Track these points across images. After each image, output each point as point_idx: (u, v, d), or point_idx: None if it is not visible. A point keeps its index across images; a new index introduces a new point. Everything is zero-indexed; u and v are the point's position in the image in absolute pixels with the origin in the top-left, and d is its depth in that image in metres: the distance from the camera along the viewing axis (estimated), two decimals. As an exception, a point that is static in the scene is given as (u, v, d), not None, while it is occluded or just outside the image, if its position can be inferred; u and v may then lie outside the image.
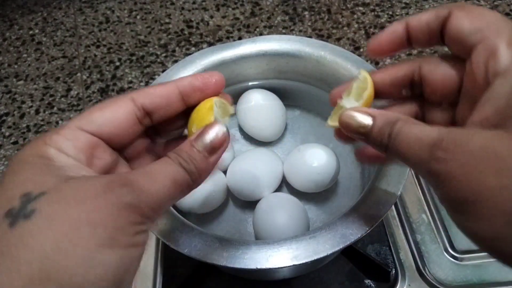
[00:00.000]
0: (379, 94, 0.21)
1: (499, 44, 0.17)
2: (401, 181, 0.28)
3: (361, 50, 0.66)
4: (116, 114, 0.19)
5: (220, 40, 0.70)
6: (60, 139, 0.17)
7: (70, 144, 0.17)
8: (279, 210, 0.33)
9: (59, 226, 0.14)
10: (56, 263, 0.13)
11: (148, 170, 0.16)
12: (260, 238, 0.33)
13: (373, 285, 0.39)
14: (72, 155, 0.17)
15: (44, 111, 0.62)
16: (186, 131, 0.22)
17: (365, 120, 0.19)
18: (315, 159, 0.35)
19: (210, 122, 0.18)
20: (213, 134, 0.18)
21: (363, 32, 0.68)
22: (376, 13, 0.72)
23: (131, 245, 0.15)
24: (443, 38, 0.19)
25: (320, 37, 0.68)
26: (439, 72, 0.20)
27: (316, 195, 0.38)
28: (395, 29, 0.20)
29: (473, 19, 0.18)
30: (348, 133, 0.20)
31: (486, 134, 0.15)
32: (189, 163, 0.17)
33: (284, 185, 0.39)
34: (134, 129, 0.19)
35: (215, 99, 0.20)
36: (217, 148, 0.18)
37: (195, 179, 0.17)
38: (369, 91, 0.20)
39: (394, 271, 0.39)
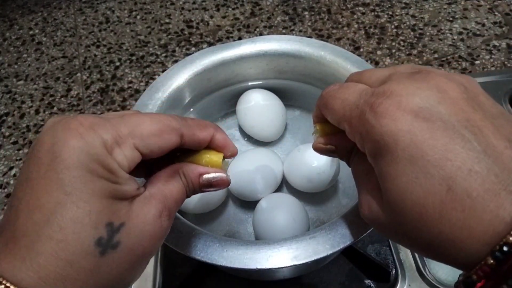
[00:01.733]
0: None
1: (351, 136, 0.20)
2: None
3: (361, 50, 0.66)
4: (166, 145, 0.20)
5: (220, 40, 0.70)
6: (121, 155, 0.18)
7: (126, 164, 0.19)
8: (279, 210, 0.33)
9: (134, 257, 0.18)
10: (126, 281, 0.19)
11: (176, 197, 0.21)
12: (260, 238, 0.33)
13: (373, 285, 0.39)
14: (126, 171, 0.19)
15: (44, 111, 0.63)
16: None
17: (330, 148, 0.24)
18: (315, 159, 0.35)
19: (220, 167, 0.23)
20: (216, 176, 0.22)
21: (363, 32, 0.68)
22: (376, 13, 0.72)
23: None
24: None
25: (320, 37, 0.68)
26: None
27: (316, 195, 0.38)
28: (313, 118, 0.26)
29: (329, 113, 0.22)
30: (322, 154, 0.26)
31: (378, 202, 0.19)
32: (191, 189, 0.22)
33: (284, 185, 0.39)
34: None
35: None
36: (213, 186, 0.23)
37: (187, 197, 0.23)
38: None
39: (394, 271, 0.39)
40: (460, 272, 0.16)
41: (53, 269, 0.16)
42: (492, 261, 0.14)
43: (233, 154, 0.24)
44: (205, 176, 0.22)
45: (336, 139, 0.24)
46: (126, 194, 0.18)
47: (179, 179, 0.21)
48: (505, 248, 0.14)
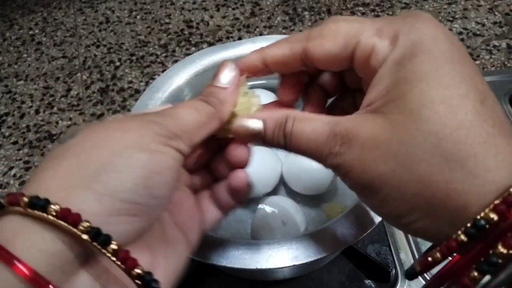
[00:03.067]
0: (272, 69, 0.22)
1: (372, 41, 0.18)
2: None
3: (361, 50, 0.66)
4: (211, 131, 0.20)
5: (220, 40, 0.70)
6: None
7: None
8: (275, 215, 0.33)
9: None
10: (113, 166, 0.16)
11: (175, 107, 0.19)
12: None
13: (373, 285, 0.39)
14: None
15: (44, 111, 0.62)
16: None
17: (256, 125, 0.20)
18: (314, 162, 0.35)
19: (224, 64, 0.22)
20: (225, 70, 0.21)
21: (363, 32, 0.68)
22: (376, 13, 0.72)
23: (157, 151, 0.17)
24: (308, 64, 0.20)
25: (320, 37, 0.68)
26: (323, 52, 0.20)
27: (316, 196, 0.37)
28: (251, 61, 0.22)
29: (333, 39, 0.19)
30: (243, 140, 0.21)
31: (371, 123, 0.17)
32: (208, 96, 0.20)
33: (283, 186, 0.39)
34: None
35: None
36: (231, 81, 0.21)
37: (216, 106, 0.20)
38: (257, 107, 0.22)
39: (394, 271, 0.39)
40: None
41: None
42: None
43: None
44: (218, 78, 0.21)
45: (267, 115, 0.20)
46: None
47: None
48: None
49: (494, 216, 0.13)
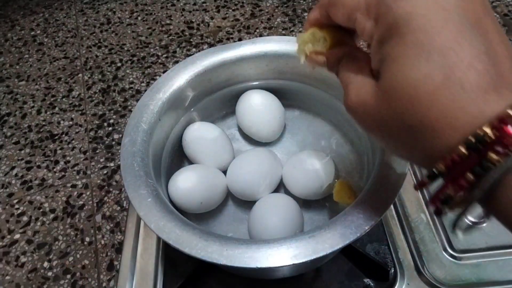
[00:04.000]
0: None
1: (363, 20, 0.20)
2: (400, 181, 0.29)
3: (361, 51, 0.66)
4: None
5: (220, 41, 0.70)
6: None
7: None
8: (273, 211, 0.33)
9: None
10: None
11: None
12: (253, 238, 0.33)
13: (372, 284, 0.39)
14: None
15: (45, 111, 0.63)
16: None
17: (321, 59, 0.25)
18: (314, 168, 0.35)
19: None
20: None
21: (362, 33, 0.69)
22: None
23: None
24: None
25: (320, 38, 0.69)
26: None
27: (315, 200, 0.38)
28: (306, 26, 0.25)
29: (342, 9, 0.21)
30: (314, 65, 0.26)
31: (367, 88, 0.20)
32: None
33: (282, 187, 0.39)
34: None
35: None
36: None
37: None
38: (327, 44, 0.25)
39: (393, 270, 0.39)
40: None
41: None
42: (463, 150, 0.15)
43: None
44: None
45: (329, 52, 0.25)
46: None
47: None
48: (480, 138, 0.15)
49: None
